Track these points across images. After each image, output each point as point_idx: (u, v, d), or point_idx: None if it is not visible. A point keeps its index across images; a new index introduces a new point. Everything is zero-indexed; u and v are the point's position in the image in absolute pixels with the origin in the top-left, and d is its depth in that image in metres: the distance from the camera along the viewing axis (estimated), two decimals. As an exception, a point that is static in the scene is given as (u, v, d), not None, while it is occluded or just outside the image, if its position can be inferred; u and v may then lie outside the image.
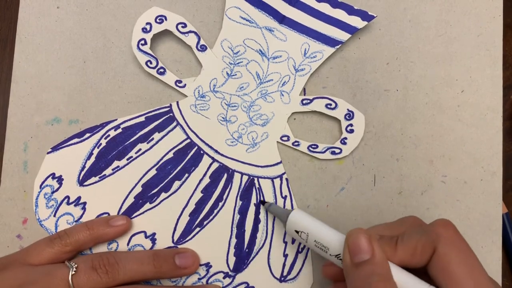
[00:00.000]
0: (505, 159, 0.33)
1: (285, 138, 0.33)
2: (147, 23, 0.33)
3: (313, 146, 0.33)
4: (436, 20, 0.34)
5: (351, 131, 0.32)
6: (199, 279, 0.32)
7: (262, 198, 0.32)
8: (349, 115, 0.32)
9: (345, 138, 0.32)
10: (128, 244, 0.32)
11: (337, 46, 0.33)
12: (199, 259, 0.31)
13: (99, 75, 0.34)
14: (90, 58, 0.34)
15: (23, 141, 0.33)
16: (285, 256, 0.32)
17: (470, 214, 0.32)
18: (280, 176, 0.33)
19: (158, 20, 0.33)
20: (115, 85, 0.34)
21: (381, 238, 0.25)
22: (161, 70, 0.33)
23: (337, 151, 0.32)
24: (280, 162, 0.33)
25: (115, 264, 0.29)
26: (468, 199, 0.33)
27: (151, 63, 0.33)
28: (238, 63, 0.33)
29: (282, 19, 0.33)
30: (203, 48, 0.33)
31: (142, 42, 0.33)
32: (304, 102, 0.33)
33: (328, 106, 0.33)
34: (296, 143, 0.33)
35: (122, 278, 0.29)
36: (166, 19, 0.33)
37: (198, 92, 0.33)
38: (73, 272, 0.28)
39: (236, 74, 0.33)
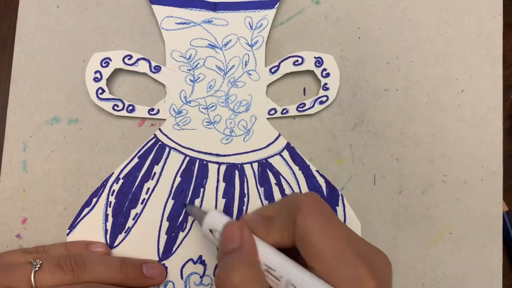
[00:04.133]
0: (505, 159, 0.33)
1: (272, 112, 0.33)
2: (95, 72, 0.32)
3: (301, 106, 0.33)
4: (436, 20, 0.34)
5: (327, 75, 0.33)
6: None
7: (275, 178, 0.32)
8: (319, 62, 0.33)
9: (325, 84, 0.33)
10: (182, 278, 0.32)
11: (277, 6, 0.33)
12: (165, 272, 0.31)
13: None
14: (90, 57, 0.34)
15: (23, 140, 0.33)
16: None
17: (471, 213, 0.32)
18: (286, 147, 0.33)
19: (103, 64, 0.32)
20: (115, 85, 0.34)
21: (260, 221, 0.25)
22: (130, 107, 0.33)
23: (324, 99, 0.33)
24: (279, 135, 0.33)
25: (82, 265, 0.28)
26: (469, 198, 0.33)
27: (117, 106, 0.32)
28: (196, 66, 0.33)
29: (214, 7, 0.33)
30: (157, 69, 0.33)
31: (100, 91, 0.32)
32: (272, 70, 0.33)
33: (296, 63, 0.33)
34: (285, 111, 0.33)
35: (87, 278, 0.28)
36: (110, 60, 0.33)
37: (174, 111, 0.33)
38: (36, 269, 0.28)
39: (199, 77, 0.33)
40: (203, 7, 0.33)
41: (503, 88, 0.33)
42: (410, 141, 0.33)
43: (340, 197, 0.32)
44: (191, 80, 0.33)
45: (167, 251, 0.32)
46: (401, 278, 0.32)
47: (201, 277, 0.32)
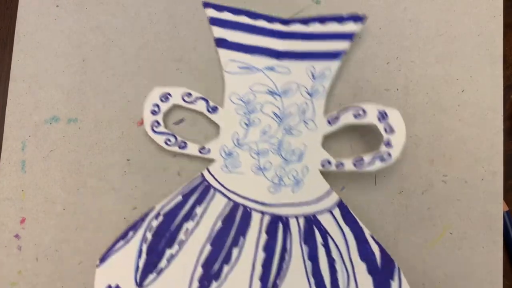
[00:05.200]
0: (505, 159, 0.33)
1: (326, 164, 0.31)
2: (154, 105, 0.32)
3: (359, 162, 0.30)
4: (436, 20, 0.34)
5: (391, 131, 0.30)
6: None
7: (322, 237, 0.30)
8: (383, 116, 0.30)
9: (389, 141, 0.30)
10: None
11: (341, 57, 0.32)
12: None
13: (98, 74, 0.34)
14: (89, 56, 0.34)
15: (21, 140, 0.33)
16: (376, 287, 0.30)
17: (471, 213, 0.32)
18: (338, 204, 0.31)
19: (163, 99, 0.32)
20: (114, 84, 0.34)
21: None
22: (182, 144, 0.32)
23: (386, 156, 0.30)
24: (332, 190, 0.31)
25: None
26: (469, 198, 0.32)
27: (170, 141, 0.32)
28: (252, 111, 0.32)
29: (278, 55, 0.32)
30: (214, 110, 0.32)
31: (155, 124, 0.32)
32: (330, 121, 0.31)
33: (357, 115, 0.31)
34: (340, 165, 0.31)
35: None
36: (170, 95, 0.32)
37: (224, 152, 0.32)
38: None
39: (254, 121, 0.32)
40: (267, 53, 0.32)
41: (504, 88, 0.33)
42: (410, 141, 0.33)
43: (396, 270, 0.30)
44: (245, 124, 0.32)
45: None
46: (402, 278, 0.32)
47: None
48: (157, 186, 0.33)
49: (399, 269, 0.30)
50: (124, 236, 0.31)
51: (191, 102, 0.32)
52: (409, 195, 0.33)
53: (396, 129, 0.30)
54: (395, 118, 0.30)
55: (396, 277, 0.30)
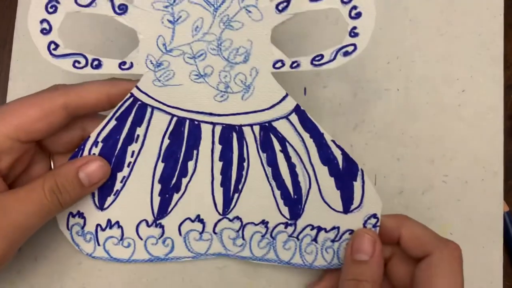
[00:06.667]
0: (506, 159, 0.33)
1: (279, 64, 0.26)
2: (41, 21, 0.25)
3: (317, 59, 0.25)
4: (437, 19, 0.34)
5: (358, 15, 0.24)
6: (263, 236, 0.29)
7: (280, 144, 0.28)
8: None
9: (354, 28, 0.25)
10: (180, 235, 0.29)
11: None
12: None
13: (97, 74, 0.33)
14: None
15: (21, 140, 0.33)
16: (340, 189, 0.28)
17: (471, 214, 0.32)
18: (295, 110, 0.27)
19: (50, 10, 0.25)
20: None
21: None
22: (96, 63, 0.26)
23: (350, 49, 0.25)
24: (287, 95, 0.27)
25: None
26: (469, 199, 0.32)
27: (79, 63, 0.26)
28: (174, 1, 0.25)
29: None
30: (123, 9, 0.25)
31: (52, 46, 0.26)
32: (280, 7, 0.25)
33: None
34: (296, 64, 0.26)
35: None
36: (59, 2, 0.25)
37: (152, 63, 0.26)
38: None
39: (180, 16, 0.25)
40: None
41: (504, 88, 0.33)
42: (410, 141, 0.33)
43: (360, 172, 0.28)
44: (169, 21, 0.25)
45: (162, 211, 0.29)
46: (402, 279, 0.32)
47: (201, 233, 0.30)
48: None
49: (362, 171, 0.28)
50: None
51: (88, 5, 0.25)
52: (410, 195, 0.33)
53: (364, 12, 0.24)
54: None
55: (359, 179, 0.28)
